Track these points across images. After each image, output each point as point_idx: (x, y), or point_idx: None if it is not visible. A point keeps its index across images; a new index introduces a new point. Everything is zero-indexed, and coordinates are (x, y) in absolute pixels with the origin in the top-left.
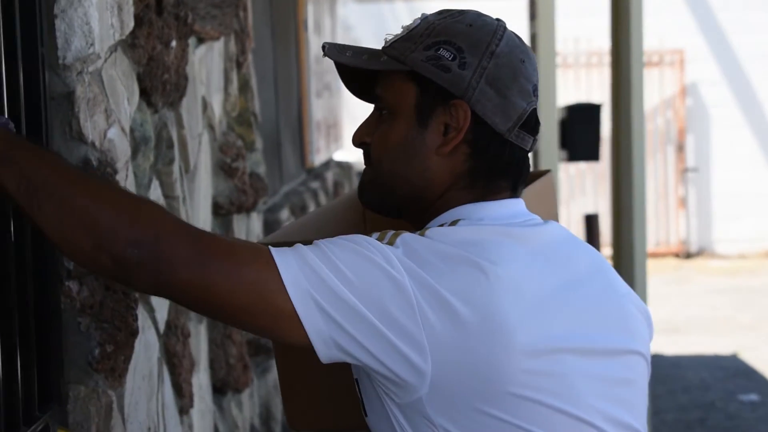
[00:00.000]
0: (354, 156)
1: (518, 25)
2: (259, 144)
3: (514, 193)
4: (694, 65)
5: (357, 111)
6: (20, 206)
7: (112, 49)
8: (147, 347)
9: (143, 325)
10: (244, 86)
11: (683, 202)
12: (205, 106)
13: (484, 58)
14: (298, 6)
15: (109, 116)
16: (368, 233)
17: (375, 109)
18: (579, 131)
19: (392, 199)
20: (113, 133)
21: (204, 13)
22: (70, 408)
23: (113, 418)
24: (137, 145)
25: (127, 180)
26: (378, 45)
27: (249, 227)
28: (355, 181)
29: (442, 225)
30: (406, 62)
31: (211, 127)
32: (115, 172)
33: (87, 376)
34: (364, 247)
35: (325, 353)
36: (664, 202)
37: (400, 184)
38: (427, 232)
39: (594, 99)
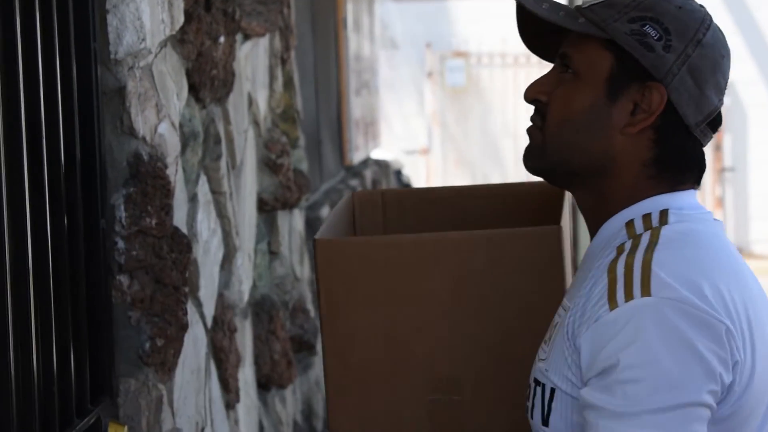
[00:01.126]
0: (391, 154)
1: None
2: (302, 141)
3: (696, 187)
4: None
5: (394, 110)
6: None
7: (162, 45)
8: (195, 342)
9: (191, 320)
10: (288, 83)
11: (720, 201)
12: (251, 102)
13: (690, 46)
14: (337, 4)
15: (160, 111)
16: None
17: (556, 67)
18: None
19: (566, 169)
20: (164, 128)
21: (250, 10)
22: (120, 401)
23: (163, 412)
24: (186, 140)
25: (176, 175)
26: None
27: (291, 224)
28: (393, 180)
29: (647, 214)
30: (607, 30)
31: (256, 123)
32: (165, 167)
33: (137, 369)
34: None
35: None
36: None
37: (578, 155)
38: (662, 255)
39: None
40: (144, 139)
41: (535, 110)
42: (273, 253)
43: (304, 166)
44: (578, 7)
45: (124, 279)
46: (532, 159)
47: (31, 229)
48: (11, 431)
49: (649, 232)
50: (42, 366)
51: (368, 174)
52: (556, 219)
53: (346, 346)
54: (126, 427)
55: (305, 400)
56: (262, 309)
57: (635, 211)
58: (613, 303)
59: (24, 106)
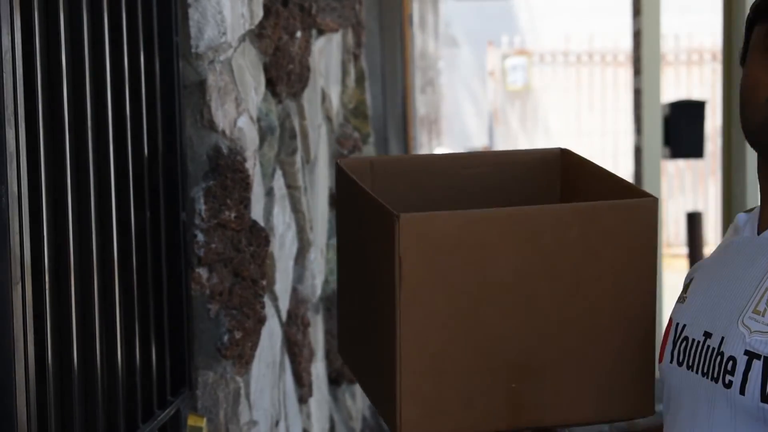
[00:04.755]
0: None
1: (622, 21)
2: (372, 137)
3: None
4: None
5: (455, 108)
6: None
7: (241, 39)
8: (271, 335)
9: (267, 314)
10: (360, 78)
11: None
12: (324, 97)
13: None
14: (404, 1)
15: (239, 105)
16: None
17: None
18: (683, 128)
19: None
20: (243, 121)
21: (324, 5)
22: (199, 393)
23: (240, 404)
24: (263, 134)
25: (254, 168)
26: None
27: None
28: None
29: None
30: None
31: (328, 118)
32: (244, 160)
33: (216, 362)
34: None
35: None
36: None
37: None
38: None
39: (694, 97)
40: (223, 132)
41: None
42: None
43: None
44: None
45: (203, 272)
46: None
47: (117, 222)
48: (97, 422)
49: None
50: (125, 358)
51: None
52: (568, 187)
53: (424, 332)
54: (205, 419)
55: None
56: (333, 304)
57: None
58: None
59: (111, 99)
